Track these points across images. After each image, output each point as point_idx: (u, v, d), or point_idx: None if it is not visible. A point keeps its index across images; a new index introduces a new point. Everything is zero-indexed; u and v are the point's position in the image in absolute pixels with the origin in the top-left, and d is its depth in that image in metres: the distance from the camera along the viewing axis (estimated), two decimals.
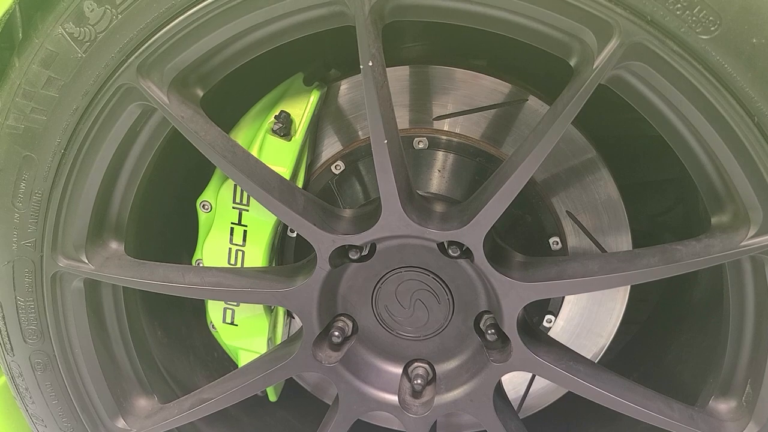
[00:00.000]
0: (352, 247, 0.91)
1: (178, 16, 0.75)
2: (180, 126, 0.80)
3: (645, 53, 0.68)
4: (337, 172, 1.03)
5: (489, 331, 0.93)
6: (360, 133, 1.03)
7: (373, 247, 0.93)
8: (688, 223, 1.27)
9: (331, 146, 1.04)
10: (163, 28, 0.75)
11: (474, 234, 0.84)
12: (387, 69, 1.04)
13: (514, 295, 0.86)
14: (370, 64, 0.73)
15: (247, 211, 0.99)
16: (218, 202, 0.99)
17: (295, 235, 1.08)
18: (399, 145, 0.81)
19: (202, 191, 1.03)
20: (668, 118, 0.72)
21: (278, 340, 1.09)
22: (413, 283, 0.96)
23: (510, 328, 0.89)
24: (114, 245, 0.93)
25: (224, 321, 1.05)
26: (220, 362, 1.25)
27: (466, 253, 0.88)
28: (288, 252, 1.09)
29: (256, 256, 1.01)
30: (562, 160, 0.99)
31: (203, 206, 1.03)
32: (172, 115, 0.79)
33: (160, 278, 0.89)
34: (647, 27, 0.66)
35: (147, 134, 0.85)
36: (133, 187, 0.90)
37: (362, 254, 0.93)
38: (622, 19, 0.67)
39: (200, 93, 0.84)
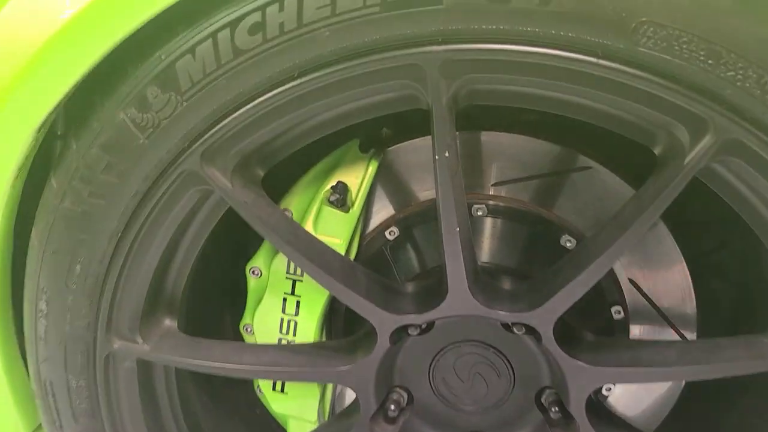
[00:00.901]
0: (407, 326, 0.88)
1: (247, 104, 0.72)
2: (243, 212, 0.77)
3: (741, 149, 0.65)
4: (391, 237, 1.00)
5: (552, 408, 0.91)
6: (416, 197, 1.00)
7: (432, 321, 0.90)
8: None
9: (383, 210, 1.02)
10: (230, 116, 0.73)
11: (545, 318, 0.81)
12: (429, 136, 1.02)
13: (583, 378, 0.83)
14: (447, 154, 0.70)
15: (301, 281, 0.96)
16: (271, 272, 0.96)
17: None
18: (468, 229, 0.79)
19: (252, 257, 1.00)
20: (762, 213, 0.69)
21: (327, 408, 1.06)
22: (473, 356, 0.93)
23: (578, 410, 0.86)
24: (167, 322, 0.90)
25: (273, 389, 1.03)
26: (263, 420, 1.22)
27: (532, 332, 0.86)
28: (338, 318, 1.07)
29: (309, 326, 0.98)
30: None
31: (253, 272, 1.00)
32: (236, 200, 0.77)
33: (217, 358, 0.87)
34: (745, 124, 0.64)
35: (204, 214, 0.82)
36: (188, 264, 0.87)
37: (422, 329, 0.90)
38: (718, 116, 0.64)
39: (261, 174, 0.81)
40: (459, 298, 0.82)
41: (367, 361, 0.88)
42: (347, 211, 0.92)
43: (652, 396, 1.06)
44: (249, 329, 1.03)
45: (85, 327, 0.86)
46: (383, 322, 0.84)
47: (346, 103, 0.74)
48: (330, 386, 1.06)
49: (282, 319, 0.98)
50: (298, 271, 0.95)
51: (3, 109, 0.73)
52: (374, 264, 0.99)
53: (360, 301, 0.82)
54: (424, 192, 0.99)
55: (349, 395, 1.19)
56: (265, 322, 0.99)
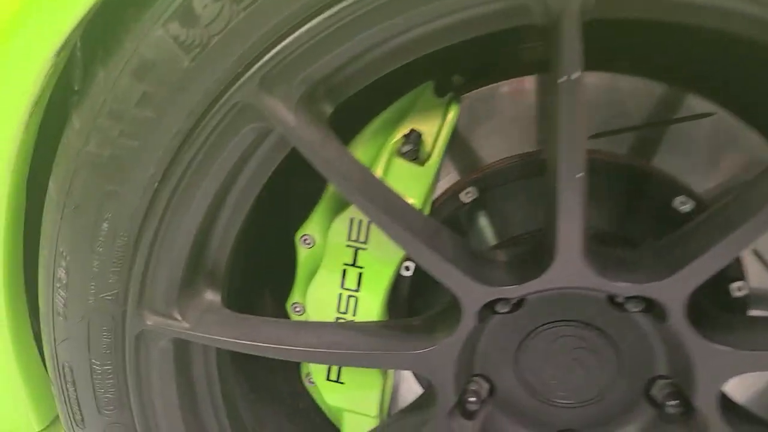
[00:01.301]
0: (498, 299, 0.73)
1: (318, 15, 0.57)
2: (309, 153, 0.63)
3: None
4: (467, 200, 0.85)
5: (669, 402, 0.75)
6: (499, 152, 0.84)
7: (523, 297, 0.75)
8: None
9: (458, 169, 0.87)
10: (296, 30, 0.58)
11: (676, 292, 0.66)
12: (514, 81, 0.87)
13: (720, 365, 0.68)
14: (578, 75, 0.55)
15: (365, 250, 0.81)
16: (329, 240, 0.82)
17: (410, 273, 0.90)
18: (585, 181, 0.64)
19: (303, 223, 0.85)
20: None
21: (387, 401, 0.91)
22: (569, 340, 0.78)
23: (707, 404, 0.71)
24: (209, 295, 0.76)
25: (328, 378, 0.88)
26: (306, 414, 1.08)
27: (650, 309, 0.71)
28: (400, 293, 0.92)
29: (373, 304, 0.83)
30: None
31: (304, 241, 0.85)
32: (301, 139, 0.62)
33: (270, 339, 0.72)
34: None
35: (259, 159, 0.67)
36: (236, 223, 0.73)
37: (512, 307, 0.75)
38: None
39: (329, 110, 0.66)
40: (569, 266, 0.67)
41: (449, 343, 0.73)
42: (422, 165, 0.77)
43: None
44: (298, 308, 0.89)
45: (112, 300, 0.71)
46: (472, 294, 0.70)
47: (433, 18, 0.59)
48: (391, 376, 0.92)
49: (340, 296, 0.84)
50: (362, 235, 0.80)
51: (17, 25, 0.59)
52: None
53: (447, 269, 0.68)
54: (508, 146, 0.84)
55: (404, 390, 1.05)
56: (320, 299, 0.85)
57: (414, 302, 0.92)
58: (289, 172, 0.75)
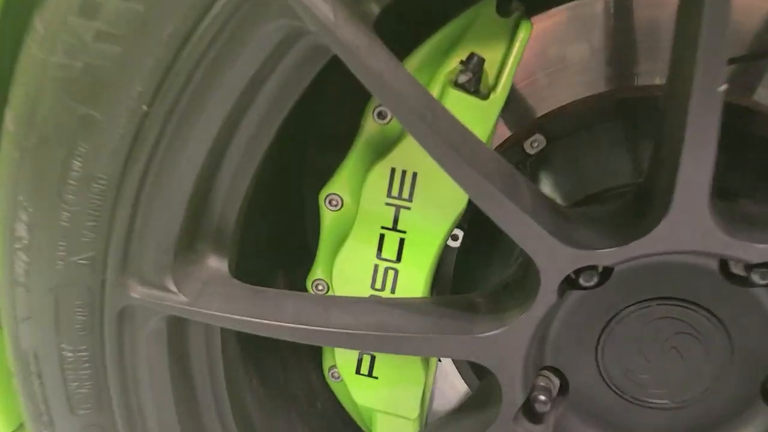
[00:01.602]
0: (584, 269, 0.57)
1: None
2: (354, 62, 0.46)
3: None
4: (532, 150, 0.68)
5: None
6: (573, 91, 0.68)
7: (609, 268, 0.59)
8: None
9: (518, 112, 0.70)
10: None
11: None
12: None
13: None
14: None
15: (409, 209, 0.64)
16: (363, 195, 0.65)
17: (457, 244, 0.74)
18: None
19: (328, 181, 0.69)
20: None
21: (428, 401, 0.75)
22: (667, 323, 0.62)
23: None
24: (214, 262, 0.59)
25: (359, 371, 0.71)
26: (325, 416, 0.91)
27: None
28: (443, 270, 0.75)
29: (416, 278, 0.67)
30: None
31: (330, 201, 0.69)
32: (343, 43, 0.45)
33: (294, 317, 0.55)
34: None
35: (284, 75, 0.51)
36: (249, 169, 0.56)
37: (598, 279, 0.59)
38: None
39: (375, 11, 0.50)
40: (690, 222, 0.50)
41: (522, 323, 0.57)
42: (485, 98, 0.60)
43: None
44: (321, 286, 0.72)
45: (87, 265, 0.55)
46: (558, 259, 0.53)
47: None
48: (433, 369, 0.75)
49: (376, 268, 0.67)
50: (406, 190, 0.64)
51: None
52: None
53: (528, 226, 0.51)
54: (584, 83, 0.68)
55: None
56: (350, 272, 0.68)
57: (460, 282, 0.76)
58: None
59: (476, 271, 0.73)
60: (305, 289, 0.74)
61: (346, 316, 0.57)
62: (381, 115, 0.65)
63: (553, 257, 0.53)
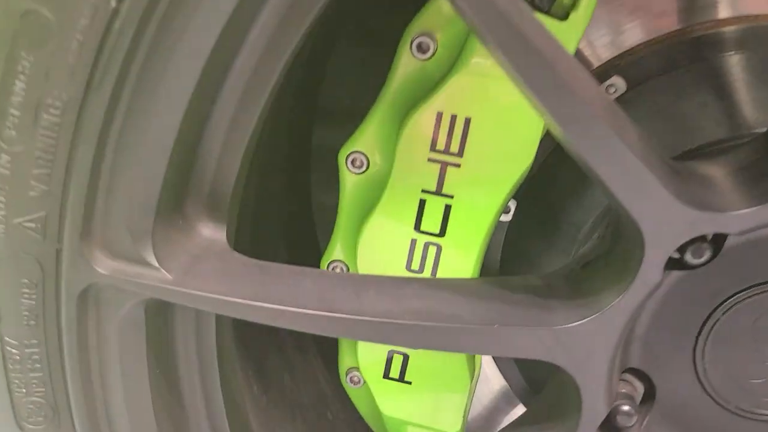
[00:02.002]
0: (692, 241, 0.43)
1: None
2: None
3: None
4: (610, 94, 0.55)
5: None
6: (661, 22, 0.54)
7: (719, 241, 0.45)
8: None
9: (591, 46, 0.56)
10: None
11: None
12: None
13: None
14: None
15: (458, 167, 0.50)
16: (400, 150, 0.51)
17: (509, 218, 0.60)
18: None
19: (350, 137, 0.55)
20: None
21: (468, 411, 0.61)
22: None
23: None
24: (208, 230, 0.45)
25: (387, 375, 0.57)
26: (337, 428, 0.77)
27: None
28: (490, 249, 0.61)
29: (464, 256, 0.53)
30: None
31: (353, 162, 0.55)
32: None
33: (315, 302, 0.41)
34: None
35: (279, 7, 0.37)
36: (247, 121, 0.42)
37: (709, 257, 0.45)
38: None
39: None
40: None
41: (614, 311, 0.43)
42: (563, 19, 0.47)
43: None
44: (340, 268, 0.58)
45: (36, 230, 0.41)
46: (673, 222, 0.39)
47: None
48: (479, 371, 0.61)
49: (413, 243, 0.53)
50: (455, 143, 0.50)
51: None
52: None
53: (638, 173, 0.38)
54: (676, 15, 0.54)
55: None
56: (380, 249, 0.54)
57: (511, 265, 0.62)
58: None
59: (533, 250, 0.59)
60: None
61: (384, 300, 0.43)
62: (422, 48, 0.51)
63: (667, 219, 0.39)
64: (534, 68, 0.34)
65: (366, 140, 0.55)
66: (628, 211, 0.40)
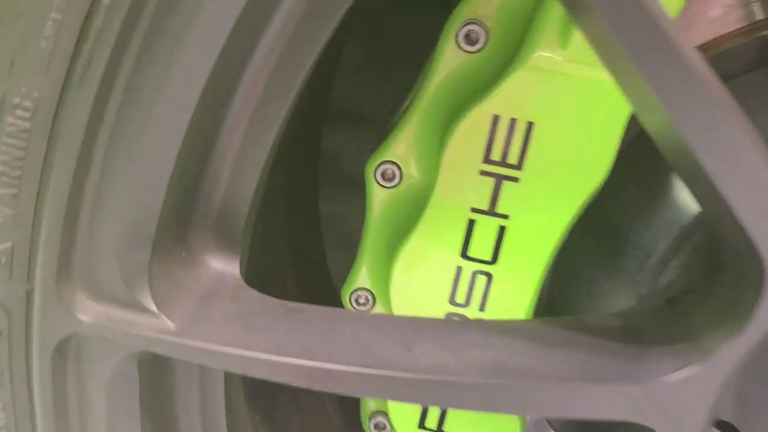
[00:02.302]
0: None
1: None
2: None
3: None
4: None
5: None
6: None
7: None
8: None
9: None
10: None
11: None
12: None
13: None
14: None
15: (516, 182, 0.42)
16: (445, 160, 0.43)
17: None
18: None
19: (379, 146, 0.47)
20: None
21: None
22: None
23: None
24: (217, 264, 0.36)
25: (423, 425, 0.48)
26: None
27: None
28: None
29: (519, 289, 0.44)
30: None
31: (384, 174, 0.47)
32: None
33: (362, 358, 0.32)
34: None
35: None
36: (266, 134, 0.33)
37: None
38: None
39: None
40: None
41: (722, 359, 0.35)
42: None
43: None
44: (365, 298, 0.50)
45: (1, 266, 0.31)
46: None
47: None
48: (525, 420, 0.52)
49: (459, 271, 0.45)
50: (514, 153, 0.41)
51: None
52: None
53: (761, 173, 0.29)
54: None
55: None
56: (418, 277, 0.46)
57: (563, 301, 0.53)
58: None
59: (589, 277, 0.51)
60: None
61: (440, 351, 0.34)
62: (470, 38, 0.42)
63: None
64: (661, 60, 0.26)
65: (399, 149, 0.46)
66: (750, 235, 0.31)
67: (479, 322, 0.39)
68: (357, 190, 0.54)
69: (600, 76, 0.39)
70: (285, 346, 0.32)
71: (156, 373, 0.36)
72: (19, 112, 0.28)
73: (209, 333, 0.33)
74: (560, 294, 0.52)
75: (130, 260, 0.32)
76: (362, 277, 0.50)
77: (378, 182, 0.47)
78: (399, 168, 0.47)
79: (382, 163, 0.47)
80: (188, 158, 0.32)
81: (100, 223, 0.31)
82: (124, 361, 0.34)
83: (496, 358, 0.35)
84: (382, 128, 0.55)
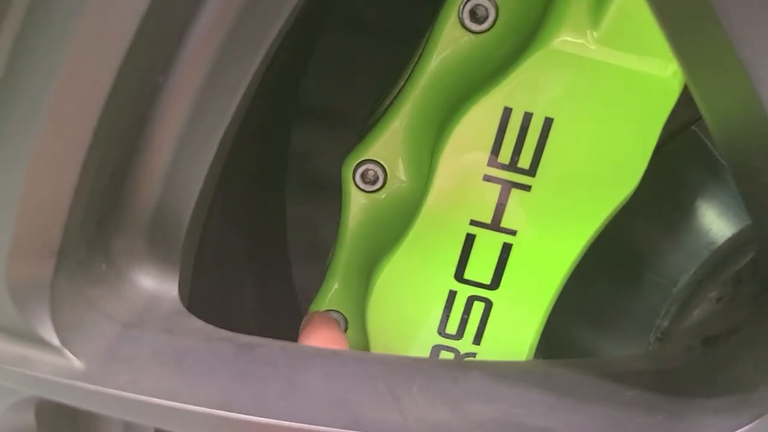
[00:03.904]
0: None
1: None
2: None
3: None
4: None
5: None
6: None
7: None
8: None
9: None
10: None
11: None
12: None
13: None
14: None
15: (527, 190, 0.34)
16: (443, 160, 0.35)
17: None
18: None
19: (360, 143, 0.39)
20: None
21: None
22: None
23: None
24: (147, 282, 0.27)
25: None
26: None
27: None
28: None
29: (523, 318, 0.37)
30: None
31: (364, 176, 0.39)
32: None
33: (331, 415, 0.24)
34: None
35: None
36: (229, 97, 0.25)
37: None
38: None
39: None
40: None
41: None
42: None
43: None
44: (340, 321, 0.42)
45: None
46: None
47: None
48: None
49: (452, 296, 0.37)
50: (526, 156, 0.34)
51: None
52: None
53: None
54: None
55: None
56: (402, 301, 0.38)
57: (569, 323, 0.46)
58: None
59: (603, 306, 0.44)
60: (285, 328, 0.44)
61: (435, 404, 0.26)
62: (476, 15, 0.35)
63: None
64: None
65: (384, 146, 0.38)
66: None
67: (482, 365, 0.31)
68: (330, 192, 0.46)
69: (638, 65, 0.32)
70: (232, 397, 0.24)
71: (62, 423, 0.27)
72: None
73: (130, 377, 0.24)
74: (564, 326, 0.45)
75: (24, 274, 0.23)
76: (333, 297, 0.42)
77: (357, 185, 0.39)
78: (383, 169, 0.39)
79: (363, 162, 0.39)
80: (109, 140, 0.24)
81: None
82: (15, 410, 0.25)
83: (505, 413, 0.27)
84: (361, 124, 0.48)
